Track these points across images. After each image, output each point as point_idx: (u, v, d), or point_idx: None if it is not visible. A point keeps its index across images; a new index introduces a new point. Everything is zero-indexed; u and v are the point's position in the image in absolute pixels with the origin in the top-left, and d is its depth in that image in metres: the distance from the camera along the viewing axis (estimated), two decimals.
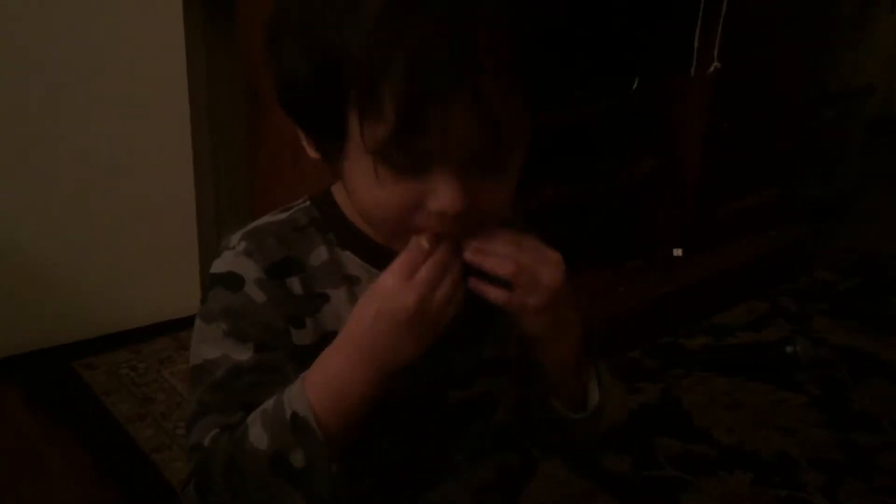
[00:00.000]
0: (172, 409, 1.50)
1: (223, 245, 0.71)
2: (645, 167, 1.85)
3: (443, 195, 0.60)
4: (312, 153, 0.68)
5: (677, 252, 1.86)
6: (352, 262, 0.71)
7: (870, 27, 2.52)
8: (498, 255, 0.64)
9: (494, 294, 0.65)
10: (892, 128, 3.27)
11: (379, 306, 0.62)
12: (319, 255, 0.70)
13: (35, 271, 1.62)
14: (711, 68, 1.72)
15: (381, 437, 0.70)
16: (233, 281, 0.68)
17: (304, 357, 0.68)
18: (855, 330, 1.91)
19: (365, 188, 0.63)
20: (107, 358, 1.64)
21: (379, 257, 0.67)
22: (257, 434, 0.64)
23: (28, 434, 1.42)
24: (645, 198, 1.90)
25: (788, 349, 1.74)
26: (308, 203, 0.74)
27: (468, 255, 0.64)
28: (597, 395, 0.73)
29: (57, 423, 1.45)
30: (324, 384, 0.63)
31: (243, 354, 0.67)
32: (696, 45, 1.68)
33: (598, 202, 1.80)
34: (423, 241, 0.63)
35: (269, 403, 0.65)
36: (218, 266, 0.70)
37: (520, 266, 0.64)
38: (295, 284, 0.69)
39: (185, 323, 1.75)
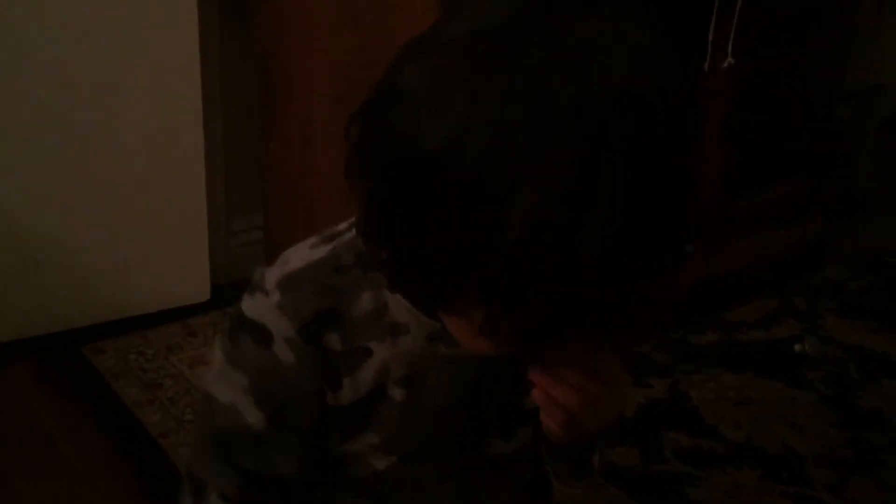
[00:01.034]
0: (180, 395, 1.51)
1: (256, 281, 0.65)
2: None
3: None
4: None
5: (689, 248, 1.85)
6: (400, 308, 0.64)
7: (887, 24, 2.50)
8: (566, 382, 0.60)
9: (555, 416, 0.61)
10: None
11: None
12: (363, 303, 0.64)
13: (46, 256, 1.63)
14: (725, 63, 1.71)
15: (420, 490, 0.68)
16: (261, 334, 0.63)
17: (338, 416, 0.65)
18: (865, 329, 1.90)
19: (460, 339, 0.59)
20: (116, 343, 1.65)
21: None
22: None
23: (38, 415, 1.43)
24: None
25: (797, 347, 1.73)
26: (353, 233, 0.65)
27: (534, 374, 0.60)
28: (593, 469, 0.73)
29: (67, 405, 1.46)
30: None
31: (253, 417, 0.64)
32: (710, 38, 1.67)
33: None
34: None
35: None
36: (249, 308, 0.64)
37: (585, 396, 0.60)
38: (333, 340, 0.63)
39: (194, 310, 1.76)
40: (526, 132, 0.46)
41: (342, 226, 0.67)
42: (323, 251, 0.65)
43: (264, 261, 1.43)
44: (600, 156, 0.46)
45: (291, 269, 0.64)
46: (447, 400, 0.68)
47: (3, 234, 1.57)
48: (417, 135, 0.48)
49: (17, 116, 1.52)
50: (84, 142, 1.59)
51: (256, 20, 1.72)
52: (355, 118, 0.54)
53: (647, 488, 1.35)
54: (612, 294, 0.50)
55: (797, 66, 1.95)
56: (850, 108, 2.28)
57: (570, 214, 0.46)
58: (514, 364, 0.60)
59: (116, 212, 1.67)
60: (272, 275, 0.64)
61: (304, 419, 0.65)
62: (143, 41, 1.59)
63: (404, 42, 0.54)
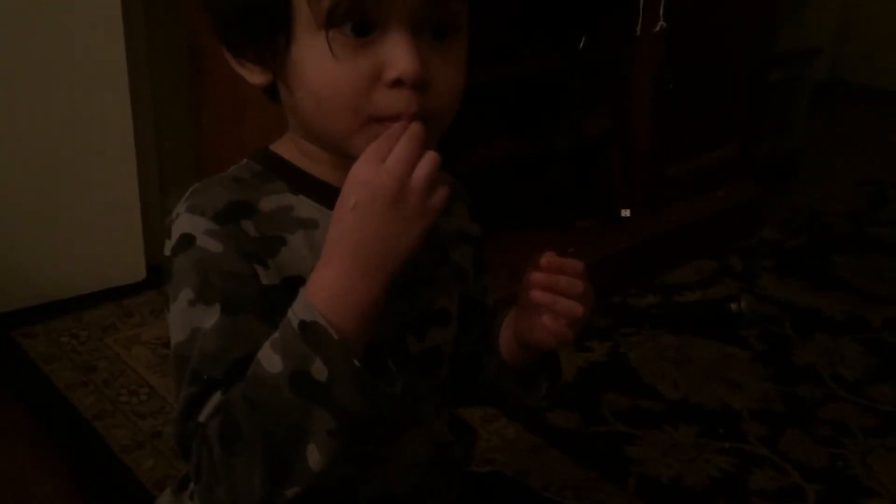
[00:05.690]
0: (115, 377, 1.48)
1: (168, 222, 0.66)
2: (596, 127, 1.85)
3: (399, 59, 0.60)
4: (256, 77, 0.67)
5: (625, 213, 1.87)
6: (306, 206, 0.68)
7: None
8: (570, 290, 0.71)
9: (557, 326, 0.71)
10: (839, 90, 3.32)
11: (356, 199, 0.59)
12: (270, 201, 0.67)
13: None
14: (657, 27, 1.72)
15: None
16: (185, 243, 0.64)
17: (272, 299, 0.64)
18: (799, 287, 1.94)
19: (320, 68, 0.62)
20: (47, 326, 1.61)
21: (334, 200, 0.62)
22: (269, 360, 0.59)
23: None
24: (596, 157, 1.90)
25: (732, 306, 1.76)
26: (245, 161, 0.71)
27: (543, 261, 0.70)
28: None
29: None
30: (326, 295, 0.59)
31: (209, 320, 0.63)
32: (641, 2, 1.67)
33: (550, 161, 1.79)
34: (396, 126, 0.61)
35: (275, 333, 0.61)
36: (168, 244, 0.66)
37: (587, 302, 0.72)
38: (249, 227, 0.65)
39: (129, 290, 1.73)
40: None
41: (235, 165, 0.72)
42: (222, 174, 0.70)
43: None
44: None
45: (194, 186, 0.68)
46: None
47: None
48: None
49: None
50: (10, 123, 1.55)
51: None
52: None
53: (588, 449, 1.37)
54: None
55: (727, 31, 1.97)
56: (781, 72, 2.31)
57: None
58: (427, 262, 0.63)
59: (47, 193, 1.63)
60: (179, 204, 0.67)
61: (253, 302, 0.64)
62: (67, 15, 1.55)
63: None
